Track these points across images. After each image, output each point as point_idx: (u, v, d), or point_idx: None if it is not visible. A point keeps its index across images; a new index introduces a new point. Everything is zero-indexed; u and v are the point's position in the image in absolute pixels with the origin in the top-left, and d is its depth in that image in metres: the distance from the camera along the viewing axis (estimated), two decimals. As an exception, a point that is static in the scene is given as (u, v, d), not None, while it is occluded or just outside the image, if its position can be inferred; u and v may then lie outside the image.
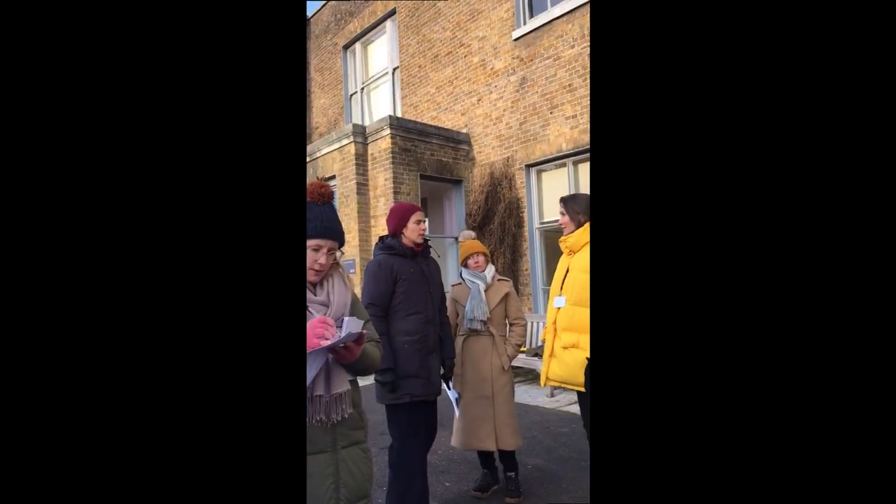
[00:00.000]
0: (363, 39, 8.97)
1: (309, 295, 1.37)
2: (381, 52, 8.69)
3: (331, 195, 1.44)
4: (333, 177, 6.47)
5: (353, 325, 1.28)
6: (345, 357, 1.32)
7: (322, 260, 1.37)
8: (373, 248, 2.43)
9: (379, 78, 8.73)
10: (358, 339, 1.29)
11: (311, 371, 1.27)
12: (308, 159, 6.83)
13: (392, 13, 8.19)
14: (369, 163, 6.19)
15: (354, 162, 6.12)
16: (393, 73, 8.29)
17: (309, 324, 1.24)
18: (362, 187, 6.15)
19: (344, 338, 1.25)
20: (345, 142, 6.24)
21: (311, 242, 1.36)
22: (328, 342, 1.21)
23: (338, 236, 1.41)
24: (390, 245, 2.30)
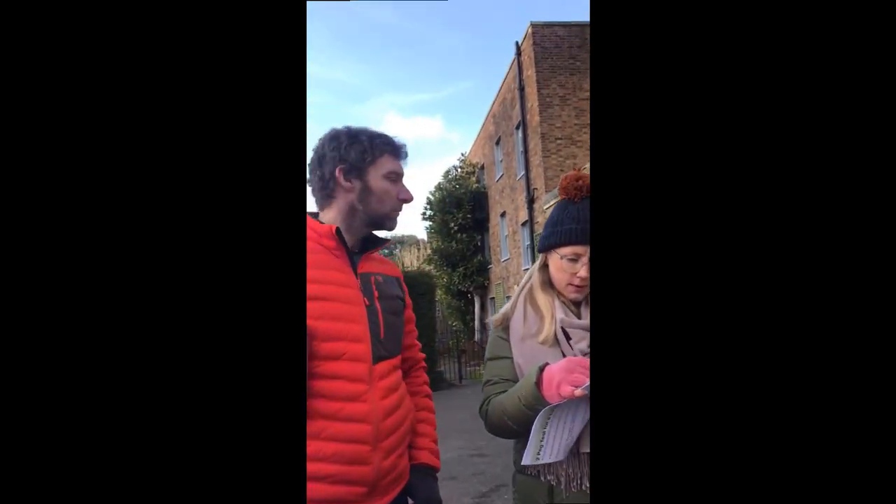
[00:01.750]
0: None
1: (570, 318, 1.07)
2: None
3: (589, 189, 1.10)
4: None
5: None
6: None
7: (583, 272, 1.05)
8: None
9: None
10: None
11: (576, 423, 0.95)
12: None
13: None
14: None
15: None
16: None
17: (564, 363, 0.94)
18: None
19: None
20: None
21: (566, 250, 1.06)
22: (582, 392, 0.87)
23: None
24: None
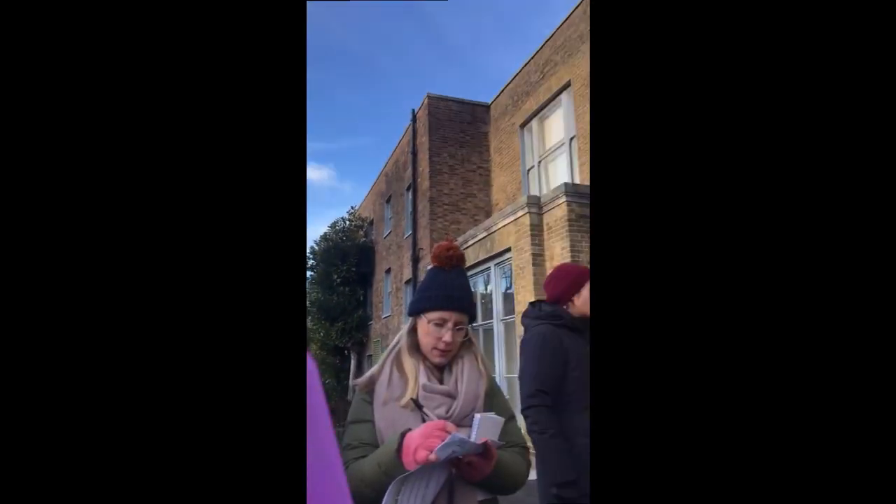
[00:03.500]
0: (539, 115, 9.14)
1: (432, 383, 1.11)
2: (558, 124, 8.70)
3: (460, 258, 1.20)
4: (509, 249, 6.38)
5: (487, 424, 0.98)
6: (470, 475, 1.00)
7: (447, 337, 1.11)
8: (523, 315, 1.95)
9: (556, 150, 8.69)
10: (486, 452, 0.97)
11: (430, 488, 0.98)
12: (484, 234, 6.92)
13: (567, 85, 8.21)
14: (545, 233, 5.97)
15: (529, 232, 5.96)
16: (570, 143, 8.16)
17: (422, 429, 0.97)
18: (538, 258, 5.90)
19: (462, 449, 0.94)
20: (519, 213, 6.16)
21: (433, 315, 1.12)
22: (436, 456, 0.91)
23: (466, 308, 1.15)
24: (555, 314, 1.78)
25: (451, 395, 1.10)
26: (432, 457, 0.90)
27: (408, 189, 12.04)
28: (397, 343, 1.19)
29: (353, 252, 14.90)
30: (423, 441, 0.93)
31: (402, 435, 0.97)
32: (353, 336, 14.51)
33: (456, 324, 1.12)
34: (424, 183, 10.80)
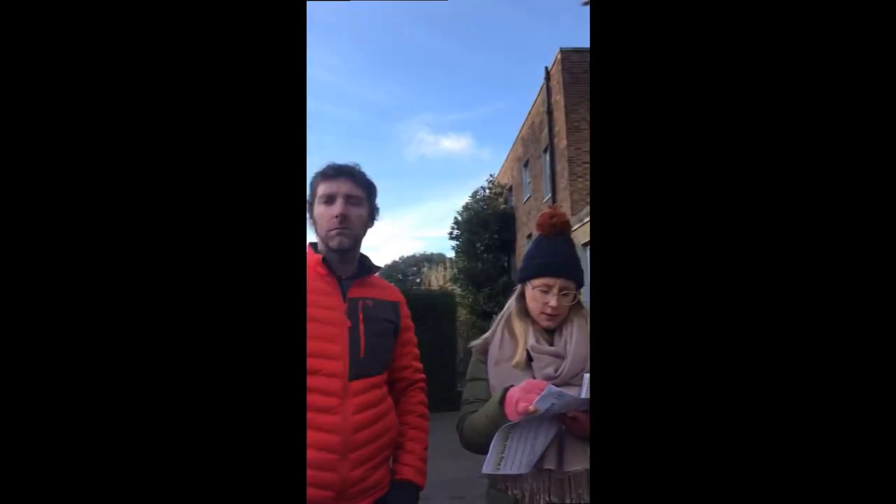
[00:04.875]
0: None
1: (541, 345, 1.16)
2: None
3: (564, 225, 1.21)
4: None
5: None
6: (577, 430, 1.04)
7: (553, 302, 1.15)
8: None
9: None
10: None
11: (538, 440, 1.03)
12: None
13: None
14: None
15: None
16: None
17: (524, 384, 1.03)
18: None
19: (562, 402, 0.97)
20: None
21: (538, 282, 1.17)
22: (535, 408, 0.96)
23: (571, 274, 1.17)
24: None
25: (560, 356, 1.13)
26: (531, 408, 0.95)
27: (545, 151, 11.76)
28: (508, 309, 1.25)
29: (495, 220, 15.08)
30: (524, 395, 0.98)
31: (506, 389, 1.04)
32: (498, 301, 14.83)
33: (561, 289, 1.15)
34: (562, 143, 10.45)
